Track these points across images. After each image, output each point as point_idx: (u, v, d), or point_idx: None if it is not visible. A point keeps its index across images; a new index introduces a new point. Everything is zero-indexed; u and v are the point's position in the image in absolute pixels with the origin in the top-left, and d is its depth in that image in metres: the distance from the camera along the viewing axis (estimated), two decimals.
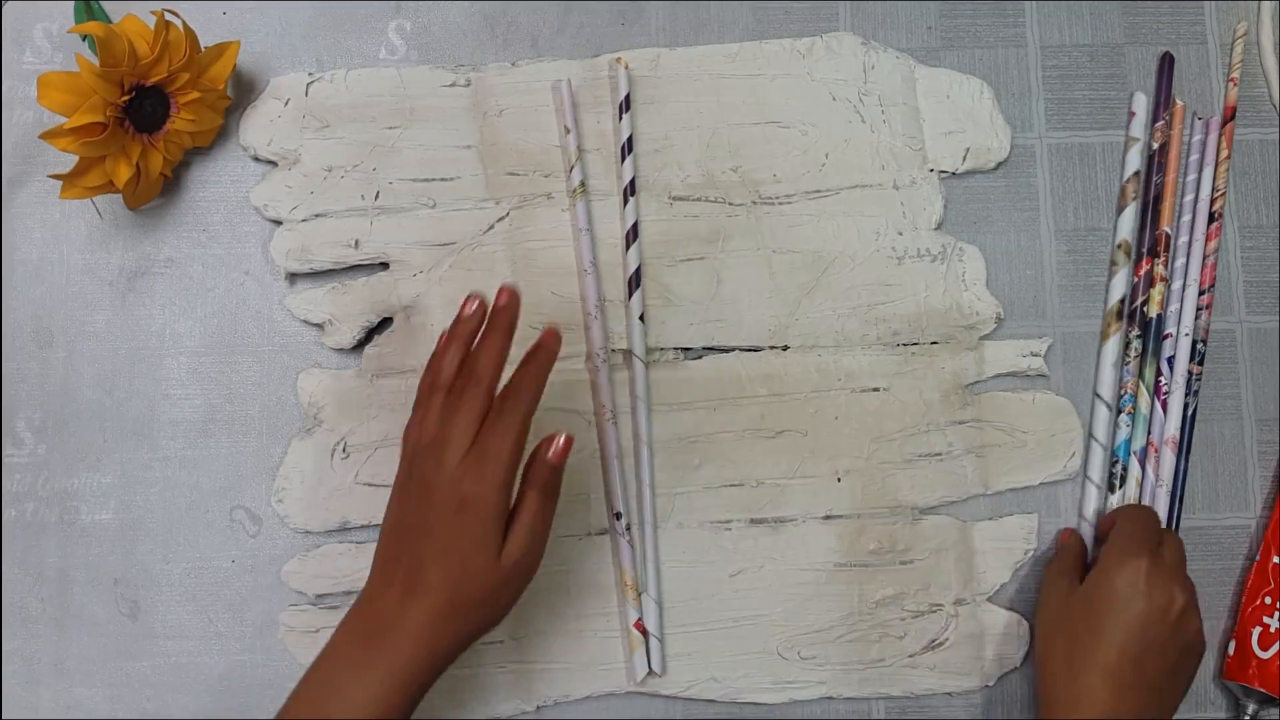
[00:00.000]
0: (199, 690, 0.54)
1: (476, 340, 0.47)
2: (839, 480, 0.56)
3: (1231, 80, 0.59)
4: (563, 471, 0.47)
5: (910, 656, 0.55)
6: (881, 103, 0.59)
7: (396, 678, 0.43)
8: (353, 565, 0.55)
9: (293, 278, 0.57)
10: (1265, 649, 0.54)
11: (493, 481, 0.44)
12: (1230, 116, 0.59)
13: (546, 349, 0.46)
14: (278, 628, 0.54)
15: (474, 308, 0.47)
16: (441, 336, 0.48)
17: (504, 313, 0.47)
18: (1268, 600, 0.55)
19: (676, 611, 0.55)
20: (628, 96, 0.57)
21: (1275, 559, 0.55)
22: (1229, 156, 0.59)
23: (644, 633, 0.54)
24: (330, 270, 0.57)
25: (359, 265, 0.57)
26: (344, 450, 0.55)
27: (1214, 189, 0.58)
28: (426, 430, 0.46)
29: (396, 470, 0.47)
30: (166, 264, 0.58)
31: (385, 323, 0.57)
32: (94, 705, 0.54)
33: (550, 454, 0.47)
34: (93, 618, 0.55)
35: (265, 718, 0.54)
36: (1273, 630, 0.54)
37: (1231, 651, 0.55)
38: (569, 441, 0.47)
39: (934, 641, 0.55)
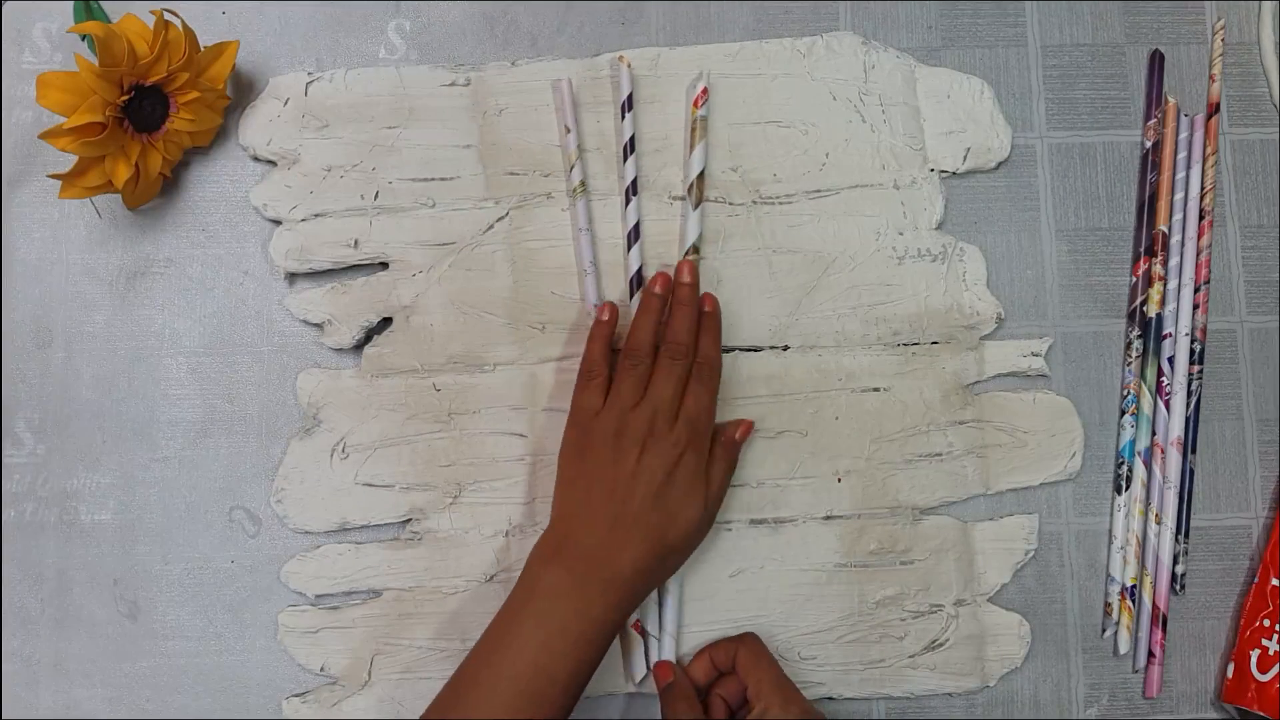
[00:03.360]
0: (199, 690, 0.54)
1: (668, 314, 0.53)
2: (839, 480, 0.56)
3: (1211, 77, 0.59)
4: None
5: (910, 657, 0.55)
6: (882, 102, 0.58)
7: (609, 613, 0.47)
8: (352, 565, 0.55)
9: (292, 278, 0.57)
10: (1264, 672, 0.54)
11: (704, 441, 0.51)
12: (1213, 112, 0.59)
13: (714, 316, 0.53)
14: (278, 628, 0.54)
15: (662, 284, 0.53)
16: (600, 310, 0.53)
17: (690, 288, 0.53)
18: (1266, 623, 0.54)
19: (676, 612, 0.55)
20: (630, 96, 0.57)
21: (1274, 581, 0.55)
22: (1215, 152, 0.58)
23: (643, 633, 0.54)
24: (330, 270, 0.57)
25: (359, 265, 0.57)
26: (344, 450, 0.55)
27: (1202, 186, 0.58)
28: (627, 394, 0.50)
29: (567, 430, 0.52)
30: (166, 264, 0.58)
31: (385, 323, 0.57)
32: (94, 705, 0.54)
33: (737, 434, 0.53)
34: (92, 618, 0.55)
35: (265, 718, 0.54)
36: (1272, 653, 0.54)
37: (1230, 674, 0.55)
38: (749, 426, 0.54)
39: (934, 642, 0.55)
